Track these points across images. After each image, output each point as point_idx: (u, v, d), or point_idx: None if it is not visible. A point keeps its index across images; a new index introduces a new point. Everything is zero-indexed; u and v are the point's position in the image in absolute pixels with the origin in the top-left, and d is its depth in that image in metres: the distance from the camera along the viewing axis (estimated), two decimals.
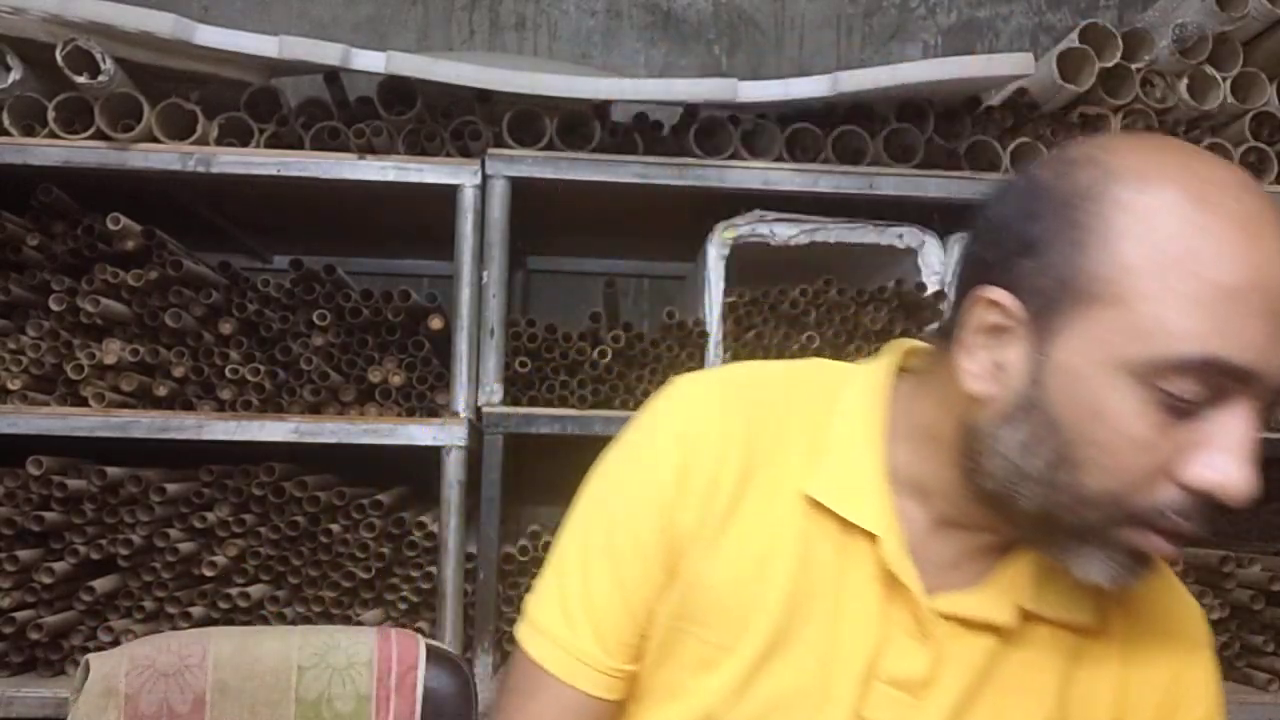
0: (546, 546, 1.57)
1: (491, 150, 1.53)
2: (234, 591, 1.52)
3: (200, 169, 1.48)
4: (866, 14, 2.17)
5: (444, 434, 1.50)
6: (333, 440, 1.49)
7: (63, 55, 1.41)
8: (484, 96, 1.57)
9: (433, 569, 1.54)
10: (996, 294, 0.64)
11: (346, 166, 1.51)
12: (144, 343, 1.51)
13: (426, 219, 1.61)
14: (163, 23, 1.43)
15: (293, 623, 1.53)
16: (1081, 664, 0.74)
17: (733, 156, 1.56)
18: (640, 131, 1.61)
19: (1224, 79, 1.61)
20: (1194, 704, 0.76)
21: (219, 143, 1.52)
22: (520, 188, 1.54)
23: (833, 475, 0.72)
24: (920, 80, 1.51)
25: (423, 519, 1.57)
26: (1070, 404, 0.61)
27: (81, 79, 1.43)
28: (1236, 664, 1.63)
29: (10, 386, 1.49)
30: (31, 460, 1.47)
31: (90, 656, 1.04)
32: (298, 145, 1.53)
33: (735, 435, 0.73)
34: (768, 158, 1.57)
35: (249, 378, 1.53)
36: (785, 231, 1.58)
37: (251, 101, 1.57)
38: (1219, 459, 0.60)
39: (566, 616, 0.75)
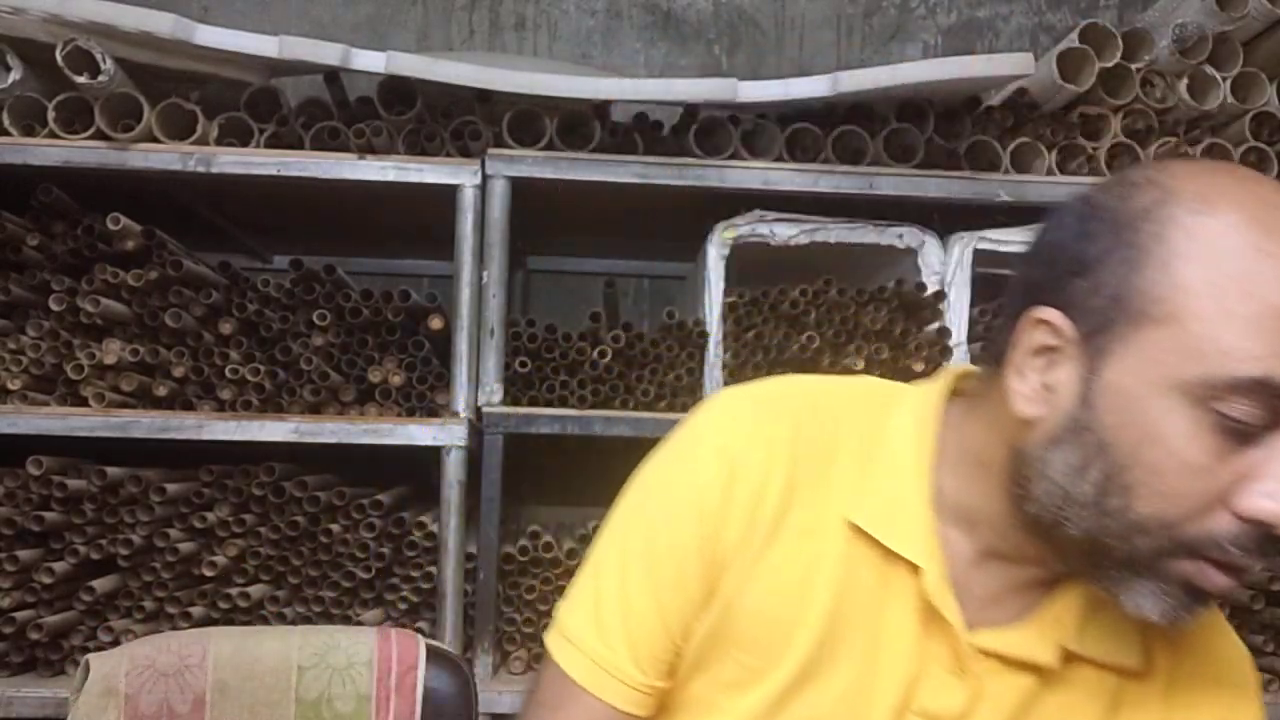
0: (547, 546, 1.57)
1: (491, 150, 1.53)
2: (234, 591, 1.52)
3: (200, 169, 1.48)
4: (866, 14, 2.17)
5: (444, 434, 1.50)
6: (333, 440, 1.49)
7: (63, 55, 1.41)
8: (484, 96, 1.57)
9: (433, 569, 1.54)
10: (1047, 313, 0.64)
11: (346, 166, 1.51)
12: (144, 343, 1.51)
13: (426, 219, 1.61)
14: (163, 23, 1.43)
15: (293, 623, 1.53)
16: (1122, 708, 0.72)
17: (733, 156, 1.56)
18: (640, 131, 1.61)
19: (1224, 79, 1.61)
20: None
21: (219, 143, 1.52)
22: (520, 188, 1.54)
23: (878, 501, 0.71)
24: (920, 80, 1.51)
25: (423, 519, 1.58)
26: (1121, 425, 0.60)
27: (81, 79, 1.43)
28: None
29: (10, 386, 1.49)
30: (31, 460, 1.47)
31: (90, 656, 1.04)
32: (298, 145, 1.53)
33: (781, 453, 0.72)
34: (768, 158, 1.57)
35: (249, 378, 1.53)
36: (785, 231, 1.58)
37: (251, 101, 1.57)
38: (1278, 488, 0.58)
39: (600, 629, 0.74)
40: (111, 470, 1.50)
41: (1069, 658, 0.71)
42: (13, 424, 1.46)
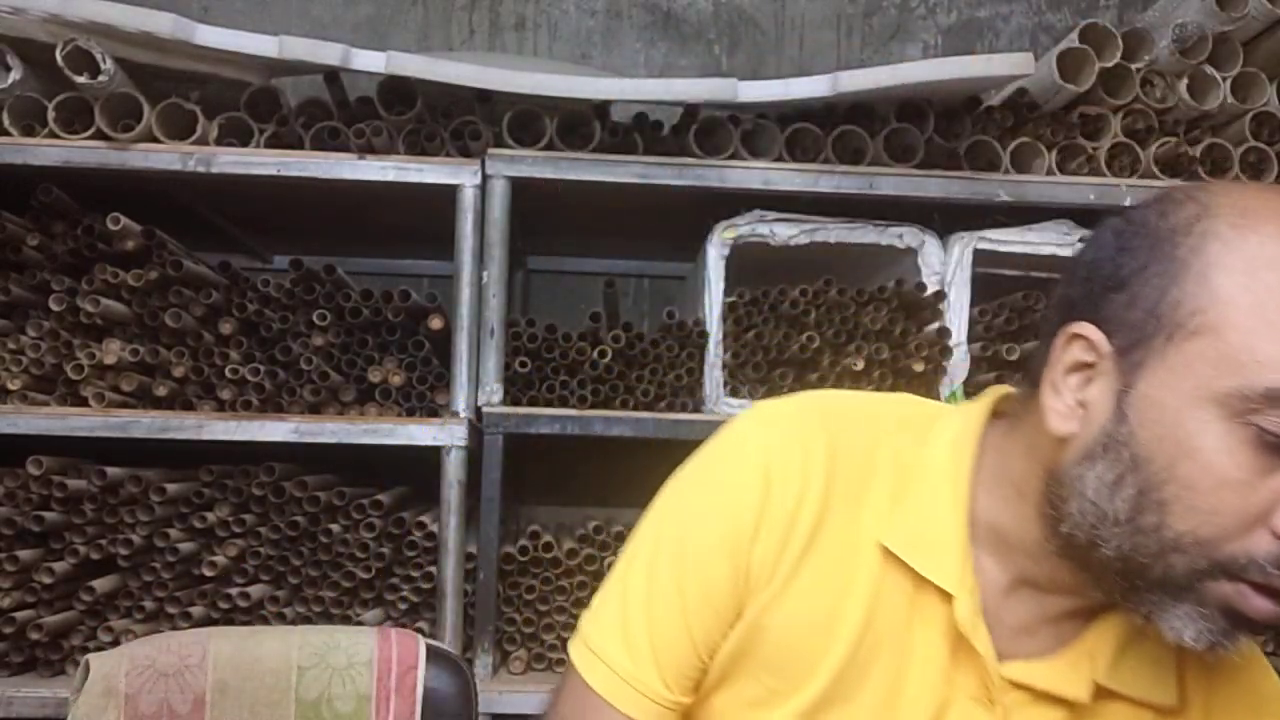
0: (546, 546, 1.57)
1: (491, 150, 1.53)
2: (234, 591, 1.52)
3: (200, 169, 1.48)
4: (866, 14, 2.17)
5: (444, 434, 1.50)
6: (333, 440, 1.49)
7: (63, 55, 1.41)
8: (484, 96, 1.57)
9: (433, 569, 1.54)
10: (1083, 328, 0.63)
11: (346, 166, 1.51)
12: (144, 343, 1.51)
13: (426, 219, 1.61)
14: (163, 23, 1.43)
15: (293, 623, 1.53)
16: None
17: (733, 156, 1.56)
18: (640, 131, 1.61)
19: (1224, 79, 1.61)
20: None
21: (219, 143, 1.52)
22: (520, 188, 1.54)
23: (912, 526, 0.70)
24: (920, 80, 1.51)
25: (423, 519, 1.58)
26: (1155, 439, 0.59)
27: (81, 79, 1.43)
28: None
29: (10, 386, 1.49)
30: (31, 460, 1.47)
31: (90, 656, 1.04)
32: (298, 145, 1.53)
33: (817, 473, 0.70)
34: (768, 158, 1.57)
35: (249, 378, 1.53)
36: (785, 231, 1.58)
37: (251, 101, 1.57)
38: None
39: (627, 643, 0.72)
40: (111, 470, 1.50)
41: (1101, 693, 0.69)
42: (13, 424, 1.46)
